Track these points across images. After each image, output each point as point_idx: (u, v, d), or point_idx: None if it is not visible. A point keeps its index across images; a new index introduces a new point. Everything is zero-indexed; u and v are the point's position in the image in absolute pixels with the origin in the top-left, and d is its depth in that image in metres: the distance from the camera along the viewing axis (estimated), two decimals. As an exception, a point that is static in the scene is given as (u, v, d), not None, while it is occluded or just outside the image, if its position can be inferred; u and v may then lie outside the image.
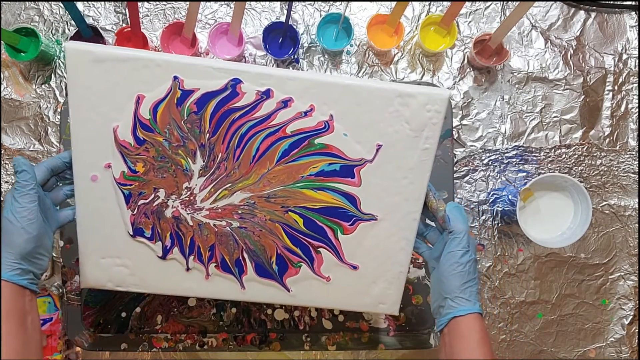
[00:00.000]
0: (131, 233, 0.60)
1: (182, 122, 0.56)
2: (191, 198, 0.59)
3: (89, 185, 0.58)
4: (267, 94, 0.55)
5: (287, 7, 0.73)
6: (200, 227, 0.60)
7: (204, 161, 0.58)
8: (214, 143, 0.57)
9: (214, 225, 0.60)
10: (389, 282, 0.61)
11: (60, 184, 0.60)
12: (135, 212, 0.60)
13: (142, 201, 0.60)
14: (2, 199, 0.75)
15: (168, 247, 0.61)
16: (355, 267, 0.61)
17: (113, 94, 0.55)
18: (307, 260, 0.61)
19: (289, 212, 0.59)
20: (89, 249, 0.60)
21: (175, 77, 0.55)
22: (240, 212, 0.60)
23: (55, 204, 0.59)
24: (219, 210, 0.60)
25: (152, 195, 0.59)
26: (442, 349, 0.55)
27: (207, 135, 0.57)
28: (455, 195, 0.75)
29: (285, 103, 0.55)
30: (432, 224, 0.63)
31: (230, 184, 0.59)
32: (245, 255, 0.61)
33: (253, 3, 0.78)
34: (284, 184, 0.58)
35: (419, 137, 0.56)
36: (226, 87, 0.55)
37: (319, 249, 0.60)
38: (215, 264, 0.61)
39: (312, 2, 0.78)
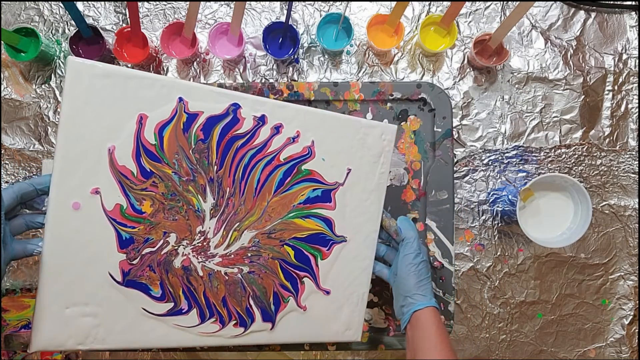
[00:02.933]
0: (119, 280, 0.53)
1: (191, 152, 0.55)
2: (204, 244, 0.56)
3: (67, 214, 0.50)
4: (262, 119, 0.58)
5: (287, 7, 0.73)
6: (210, 277, 0.57)
7: (214, 198, 0.57)
8: (221, 177, 0.57)
9: (225, 273, 0.58)
10: (354, 304, 0.64)
11: (25, 212, 0.53)
12: (134, 261, 0.53)
13: (148, 250, 0.53)
14: (1, 198, 0.75)
15: (184, 310, 0.56)
16: (327, 292, 0.63)
17: (112, 110, 0.51)
18: (294, 293, 0.62)
19: (284, 245, 0.61)
20: (52, 295, 0.50)
21: (181, 99, 0.53)
22: (249, 254, 0.59)
23: (13, 234, 0.51)
24: (232, 256, 0.58)
25: (161, 242, 0.54)
26: (407, 344, 0.61)
27: (215, 167, 0.57)
28: (455, 195, 0.75)
29: (277, 129, 0.59)
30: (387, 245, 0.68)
31: (238, 223, 0.58)
32: (252, 302, 0.60)
33: (253, 3, 0.78)
34: (280, 216, 0.60)
35: (377, 162, 0.64)
36: (228, 112, 0.56)
37: (304, 279, 0.62)
38: (235, 322, 0.59)
39: (312, 2, 0.78)
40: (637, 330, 0.77)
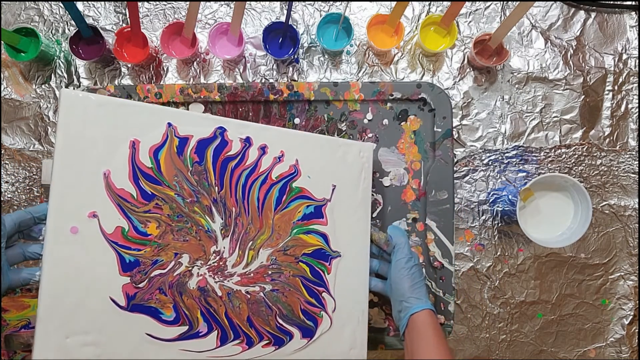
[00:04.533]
0: (122, 305, 0.51)
1: (189, 174, 0.56)
2: (220, 263, 0.56)
3: (65, 238, 0.49)
4: (248, 141, 0.60)
5: (287, 7, 0.72)
6: (229, 297, 0.56)
7: (222, 218, 0.57)
8: (224, 197, 0.58)
9: (247, 292, 0.57)
10: (355, 322, 0.65)
11: (22, 242, 0.53)
12: (141, 284, 0.52)
13: (157, 272, 0.52)
14: (1, 198, 0.75)
15: (203, 333, 0.54)
16: (334, 309, 0.64)
17: (105, 137, 0.52)
18: (322, 307, 0.63)
19: (300, 262, 0.62)
20: (52, 325, 0.48)
21: (170, 124, 0.55)
22: (270, 272, 0.60)
23: (10, 264, 0.51)
24: (251, 274, 0.58)
25: (173, 263, 0.53)
26: (405, 349, 0.62)
27: (216, 188, 0.58)
28: (455, 195, 0.75)
29: (263, 150, 0.61)
30: (378, 260, 0.69)
31: (251, 242, 0.59)
32: (281, 321, 0.60)
33: (253, 3, 0.78)
34: (287, 233, 0.61)
35: (359, 177, 0.67)
36: (215, 135, 0.58)
37: (322, 294, 0.63)
38: (267, 342, 0.58)
39: (312, 2, 0.78)
40: (637, 330, 0.77)
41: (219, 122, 0.58)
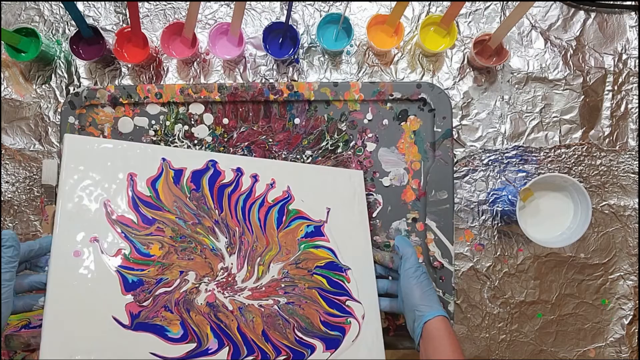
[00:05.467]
0: (126, 324, 0.51)
1: (188, 200, 0.58)
2: (229, 279, 0.57)
3: (68, 262, 0.51)
4: (240, 171, 0.63)
5: (287, 7, 0.73)
6: (241, 311, 0.56)
7: (226, 237, 0.59)
8: (225, 218, 0.60)
9: (260, 306, 0.57)
10: (370, 342, 0.63)
11: (27, 272, 0.54)
12: (146, 303, 0.52)
13: (162, 290, 0.53)
14: (1, 198, 0.75)
15: (212, 350, 0.53)
16: (364, 315, 0.64)
17: (104, 172, 0.56)
18: (349, 314, 0.63)
19: (314, 275, 0.62)
20: (55, 347, 0.49)
21: (164, 159, 0.59)
22: (283, 285, 0.60)
23: (16, 292, 0.52)
24: (263, 288, 0.58)
25: (178, 281, 0.54)
26: (420, 358, 0.60)
27: (217, 211, 0.60)
28: (455, 195, 0.75)
29: (255, 178, 0.63)
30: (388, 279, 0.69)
31: (259, 258, 0.59)
32: (300, 334, 0.58)
33: (253, 3, 0.78)
34: (295, 248, 0.62)
35: (353, 201, 0.69)
36: (208, 167, 0.61)
37: (347, 302, 0.63)
38: (285, 357, 0.56)
39: (312, 2, 0.78)
40: (637, 330, 0.77)
41: (209, 156, 0.62)
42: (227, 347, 0.54)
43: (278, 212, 0.63)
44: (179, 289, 0.54)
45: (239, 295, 0.56)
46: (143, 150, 0.59)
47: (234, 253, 0.58)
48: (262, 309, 0.57)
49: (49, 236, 0.53)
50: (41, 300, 0.51)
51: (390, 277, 0.70)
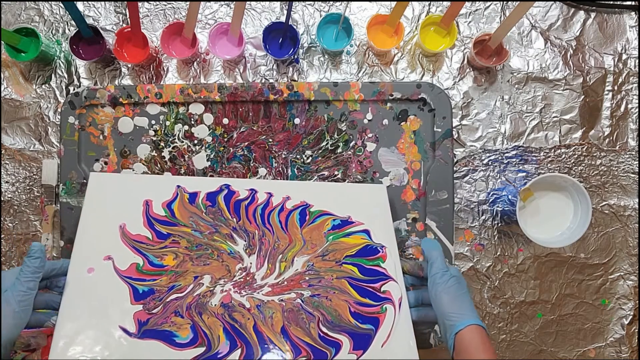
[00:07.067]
0: (132, 332, 0.52)
1: (204, 214, 0.60)
2: (248, 278, 0.56)
3: (81, 278, 0.54)
4: (254, 190, 0.64)
5: (287, 7, 0.73)
6: (259, 308, 0.54)
7: (245, 240, 0.59)
8: (243, 225, 0.60)
9: (281, 300, 0.55)
10: (401, 347, 0.56)
11: (46, 291, 0.56)
12: (155, 310, 0.53)
13: (174, 296, 0.53)
14: (1, 198, 0.75)
15: (223, 353, 0.51)
16: (400, 295, 0.59)
17: (122, 201, 0.61)
18: (385, 300, 0.58)
19: (343, 265, 0.60)
20: (65, 355, 0.51)
21: (178, 185, 0.63)
22: (307, 278, 0.57)
23: (34, 308, 0.53)
24: (285, 282, 0.57)
25: (192, 286, 0.54)
26: None
27: (234, 219, 0.61)
28: (455, 195, 0.75)
29: (270, 194, 0.64)
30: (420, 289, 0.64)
31: (281, 255, 0.59)
32: (324, 329, 0.54)
33: (253, 3, 0.78)
34: (322, 241, 0.61)
35: (373, 213, 0.65)
36: (222, 189, 0.64)
37: (383, 287, 0.59)
38: (304, 358, 0.52)
39: (312, 2, 0.78)
40: (636, 330, 0.77)
41: (222, 181, 0.65)
42: (240, 349, 0.52)
43: (300, 214, 0.63)
44: (192, 293, 0.54)
45: (258, 293, 0.55)
46: (158, 180, 0.65)
47: (254, 253, 0.58)
48: (283, 304, 0.55)
49: (68, 260, 0.56)
50: (54, 319, 0.53)
51: (422, 286, 0.64)
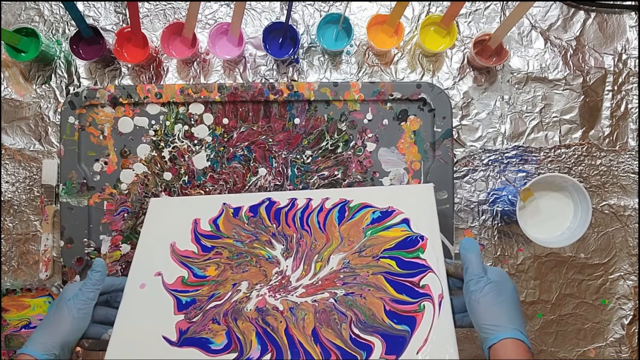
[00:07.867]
0: (173, 340, 0.54)
1: (246, 225, 0.64)
2: (283, 282, 0.57)
3: (135, 293, 0.59)
4: (294, 198, 0.66)
5: (287, 7, 0.73)
6: (292, 310, 0.54)
7: (282, 245, 0.61)
8: (282, 230, 0.62)
9: (314, 301, 0.54)
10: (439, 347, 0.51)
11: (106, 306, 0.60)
12: (195, 318, 0.55)
13: (213, 304, 0.56)
14: (1, 198, 0.75)
15: (253, 359, 0.51)
16: (442, 290, 0.54)
17: (175, 223, 0.65)
18: (424, 296, 0.53)
19: (381, 259, 0.57)
20: None
21: (224, 203, 0.67)
22: (342, 276, 0.56)
23: (94, 320, 0.57)
24: (319, 282, 0.56)
25: (230, 292, 0.57)
26: None
27: (274, 225, 0.63)
28: (455, 195, 0.75)
29: (309, 199, 0.66)
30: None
31: (317, 255, 0.59)
32: (357, 330, 0.52)
33: (253, 3, 0.78)
34: (360, 237, 0.60)
35: (417, 214, 0.61)
36: (264, 201, 0.66)
37: (422, 280, 0.55)
38: None
39: (312, 2, 0.78)
40: (636, 330, 0.77)
41: (266, 194, 0.67)
42: (270, 354, 0.51)
43: (339, 211, 0.63)
44: (229, 300, 0.56)
45: (292, 295, 0.55)
46: (207, 200, 0.69)
47: (290, 257, 0.59)
48: (316, 304, 0.54)
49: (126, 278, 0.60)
50: (110, 331, 0.56)
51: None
